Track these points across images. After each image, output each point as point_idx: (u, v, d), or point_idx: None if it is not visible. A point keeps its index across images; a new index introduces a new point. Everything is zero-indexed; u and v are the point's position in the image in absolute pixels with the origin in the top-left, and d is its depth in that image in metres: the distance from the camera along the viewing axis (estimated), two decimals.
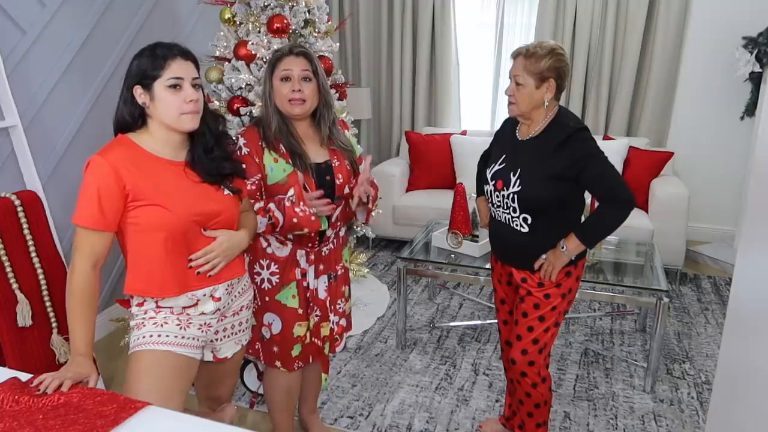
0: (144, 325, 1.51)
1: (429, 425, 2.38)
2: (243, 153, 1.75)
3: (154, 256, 1.46)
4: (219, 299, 1.58)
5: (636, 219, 3.61)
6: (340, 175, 1.83)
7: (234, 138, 1.75)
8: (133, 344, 1.51)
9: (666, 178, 3.91)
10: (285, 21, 2.47)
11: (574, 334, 3.12)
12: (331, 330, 1.98)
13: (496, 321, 3.14)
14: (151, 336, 1.50)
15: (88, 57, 2.86)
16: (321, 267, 1.89)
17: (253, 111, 2.42)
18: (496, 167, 1.92)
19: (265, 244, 1.83)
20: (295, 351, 1.89)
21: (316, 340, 1.94)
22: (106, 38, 2.95)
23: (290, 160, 1.75)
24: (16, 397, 1.17)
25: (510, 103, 1.86)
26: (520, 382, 1.96)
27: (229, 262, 1.58)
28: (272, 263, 1.83)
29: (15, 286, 2.14)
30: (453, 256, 2.93)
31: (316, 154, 1.82)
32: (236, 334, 1.71)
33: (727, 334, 1.57)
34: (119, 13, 3.00)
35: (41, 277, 2.24)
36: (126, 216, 1.44)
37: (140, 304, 1.52)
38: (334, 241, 1.92)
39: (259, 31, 2.47)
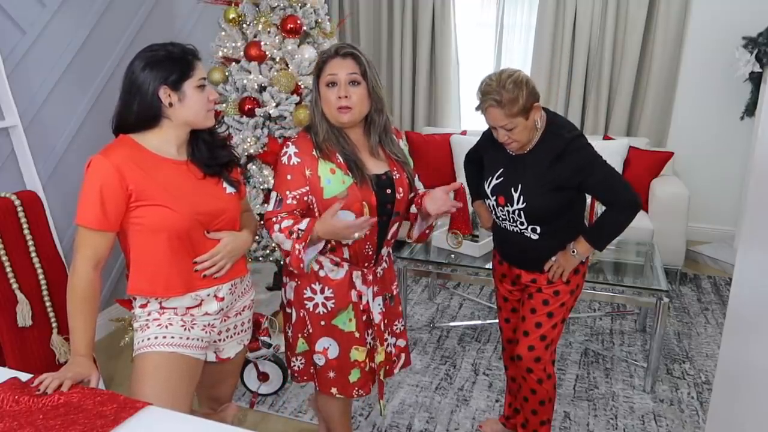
0: (148, 327, 1.51)
1: (429, 425, 2.38)
2: (293, 163, 1.62)
3: (159, 256, 1.46)
4: (222, 299, 1.58)
5: (636, 219, 3.56)
6: (401, 189, 1.69)
7: (284, 144, 1.69)
8: (137, 346, 1.51)
9: (666, 178, 3.91)
10: (298, 21, 2.47)
11: (574, 334, 3.12)
12: (389, 353, 1.85)
13: (496, 321, 3.15)
14: (156, 338, 1.49)
15: (88, 57, 2.86)
16: (376, 288, 1.76)
17: (269, 112, 2.41)
18: (495, 182, 1.88)
19: (317, 267, 1.69)
20: (353, 377, 1.77)
21: (372, 364, 1.82)
22: (106, 38, 2.95)
23: (348, 171, 1.61)
24: (16, 397, 1.17)
25: (508, 144, 1.80)
26: (525, 378, 1.96)
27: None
28: (326, 287, 1.71)
29: (15, 286, 2.14)
30: (453, 256, 2.93)
31: (375, 164, 1.68)
32: (239, 334, 1.71)
33: (727, 333, 1.57)
34: (119, 13, 3.00)
35: (41, 277, 2.24)
36: (129, 216, 1.43)
37: (143, 306, 1.52)
38: (387, 260, 1.81)
39: (269, 32, 2.46)
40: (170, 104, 1.45)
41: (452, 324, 3.24)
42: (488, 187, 1.90)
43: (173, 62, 1.45)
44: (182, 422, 1.17)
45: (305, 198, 1.63)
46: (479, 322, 3.27)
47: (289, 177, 1.62)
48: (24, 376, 1.28)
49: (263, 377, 2.49)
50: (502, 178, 1.87)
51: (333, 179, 1.61)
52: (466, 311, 3.42)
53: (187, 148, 1.55)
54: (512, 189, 1.82)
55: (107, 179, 1.38)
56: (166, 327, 1.50)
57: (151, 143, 1.48)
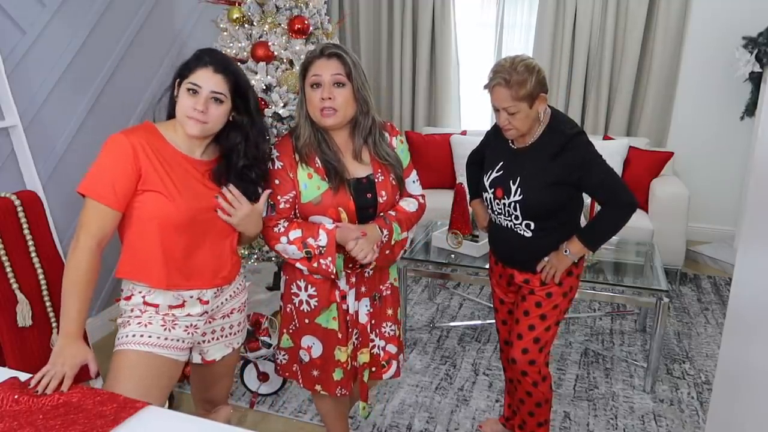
0: (129, 324, 1.51)
1: (429, 425, 2.38)
2: (276, 167, 1.63)
3: (151, 244, 1.47)
4: (207, 302, 1.58)
5: (636, 219, 3.58)
6: (383, 192, 1.66)
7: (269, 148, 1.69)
8: (117, 342, 1.52)
9: (666, 178, 3.91)
10: (306, 22, 2.48)
11: (574, 334, 3.12)
12: (376, 356, 1.83)
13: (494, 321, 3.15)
14: (134, 336, 1.50)
15: (88, 57, 2.86)
16: (363, 289, 1.74)
17: (278, 112, 2.42)
18: (494, 174, 1.89)
19: (300, 265, 1.70)
20: (337, 375, 1.77)
21: (354, 363, 1.81)
22: (106, 38, 2.95)
23: (326, 176, 1.60)
24: (16, 397, 1.17)
25: (507, 130, 1.79)
26: (520, 381, 1.96)
27: (220, 268, 1.58)
28: (309, 285, 1.71)
29: (15, 286, 2.14)
30: (453, 256, 2.93)
31: (359, 168, 1.66)
32: (226, 337, 1.69)
33: (727, 334, 1.57)
34: (119, 13, 3.00)
35: (41, 277, 2.24)
36: (133, 200, 1.45)
37: (128, 298, 1.52)
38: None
39: (275, 32, 2.47)
40: (175, 96, 1.51)
41: (452, 324, 3.24)
42: (487, 180, 1.90)
43: (189, 59, 1.49)
44: (182, 422, 1.17)
45: (292, 200, 1.65)
46: (479, 322, 3.26)
47: (277, 182, 1.63)
48: (24, 376, 1.28)
49: (263, 377, 2.49)
50: (501, 171, 1.87)
51: (309, 184, 1.61)
52: (466, 311, 3.41)
53: (210, 154, 1.56)
54: (510, 181, 1.82)
55: (123, 157, 1.41)
56: (146, 326, 1.51)
57: (170, 134, 1.51)
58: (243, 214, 1.55)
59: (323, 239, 1.59)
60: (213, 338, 1.66)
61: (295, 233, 1.60)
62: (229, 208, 1.53)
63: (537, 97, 1.73)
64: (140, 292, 1.51)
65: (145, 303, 1.52)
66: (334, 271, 1.62)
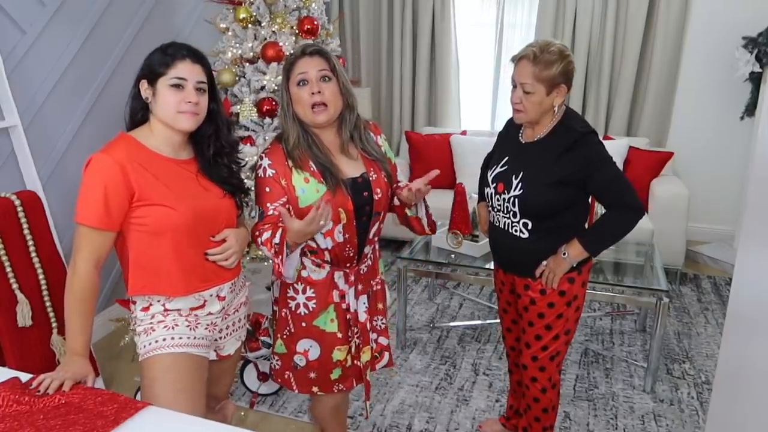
0: (154, 330, 1.49)
1: (429, 425, 2.38)
2: (267, 175, 1.61)
3: (162, 256, 1.45)
4: (224, 298, 1.58)
5: None
6: (378, 190, 1.67)
7: (258, 157, 1.67)
8: (145, 350, 1.49)
9: (666, 178, 3.91)
10: (315, 22, 2.48)
11: (574, 334, 3.12)
12: (371, 349, 1.84)
13: (496, 321, 3.15)
14: (164, 340, 1.48)
15: (89, 57, 2.86)
16: (360, 287, 1.74)
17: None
18: (498, 170, 1.85)
19: (299, 267, 1.69)
20: (335, 374, 1.76)
21: (357, 362, 1.79)
22: (107, 38, 2.95)
23: (322, 179, 1.59)
24: (17, 397, 1.17)
25: (517, 111, 1.76)
26: (528, 387, 1.93)
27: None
28: (308, 287, 1.69)
29: (15, 286, 2.14)
30: (453, 256, 2.93)
31: (351, 167, 1.66)
32: (237, 330, 1.71)
33: (727, 334, 1.58)
34: (119, 12, 3.00)
35: (41, 277, 2.24)
36: (129, 216, 1.42)
37: (145, 309, 1.50)
38: (371, 256, 1.78)
39: (283, 32, 2.47)
40: (147, 99, 1.46)
41: (452, 324, 3.24)
42: (491, 175, 1.87)
43: (155, 57, 1.46)
44: (182, 422, 1.17)
45: (286, 207, 1.62)
46: (479, 322, 3.27)
47: (267, 189, 1.62)
48: (24, 376, 1.28)
49: (263, 377, 2.49)
50: (506, 167, 1.83)
51: (307, 188, 1.60)
52: (466, 311, 3.42)
53: (190, 152, 1.54)
54: (513, 176, 1.78)
55: (112, 177, 1.37)
56: (173, 328, 1.49)
57: (149, 141, 1.48)
58: (238, 249, 1.55)
59: (278, 237, 1.55)
60: (228, 333, 1.67)
61: (266, 234, 1.57)
62: (225, 258, 1.53)
63: (557, 86, 1.70)
64: (159, 301, 1.49)
65: (166, 310, 1.50)
66: (282, 270, 1.56)
